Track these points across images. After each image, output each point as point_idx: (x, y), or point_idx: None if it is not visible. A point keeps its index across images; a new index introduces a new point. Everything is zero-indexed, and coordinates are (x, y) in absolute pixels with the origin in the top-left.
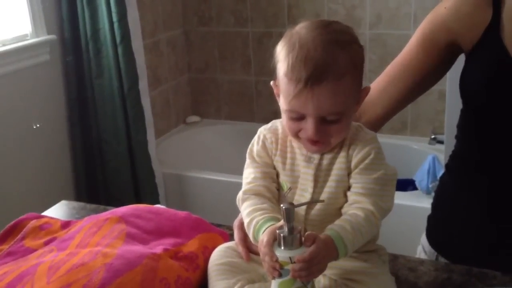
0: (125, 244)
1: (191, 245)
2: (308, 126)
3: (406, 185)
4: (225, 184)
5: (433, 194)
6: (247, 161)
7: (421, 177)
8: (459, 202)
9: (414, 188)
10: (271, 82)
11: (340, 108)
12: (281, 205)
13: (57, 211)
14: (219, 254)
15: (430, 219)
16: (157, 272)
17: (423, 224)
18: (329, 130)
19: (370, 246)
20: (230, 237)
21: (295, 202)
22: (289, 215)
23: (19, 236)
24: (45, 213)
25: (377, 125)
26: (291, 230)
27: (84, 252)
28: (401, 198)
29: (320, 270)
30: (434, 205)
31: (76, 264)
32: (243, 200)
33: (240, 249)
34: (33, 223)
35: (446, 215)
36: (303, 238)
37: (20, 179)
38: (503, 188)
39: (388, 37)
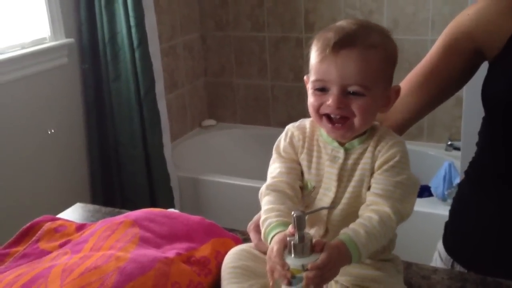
0: (138, 248)
1: (204, 250)
2: (330, 96)
3: (422, 191)
4: (240, 188)
5: (448, 201)
6: (274, 155)
7: (437, 183)
8: (478, 209)
9: (430, 194)
10: (305, 77)
11: (364, 81)
12: (292, 213)
13: (72, 214)
14: (233, 257)
15: (448, 225)
16: (169, 277)
17: (438, 231)
18: (351, 105)
19: (386, 255)
20: (243, 242)
21: (318, 201)
22: (300, 222)
23: (34, 238)
24: (60, 215)
25: (397, 132)
26: (301, 237)
27: (97, 255)
28: (417, 205)
29: (333, 275)
30: (452, 212)
31: (89, 267)
32: (265, 195)
33: (258, 251)
34: (48, 225)
35: (465, 222)
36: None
37: (36, 181)
38: None
39: (405, 43)
